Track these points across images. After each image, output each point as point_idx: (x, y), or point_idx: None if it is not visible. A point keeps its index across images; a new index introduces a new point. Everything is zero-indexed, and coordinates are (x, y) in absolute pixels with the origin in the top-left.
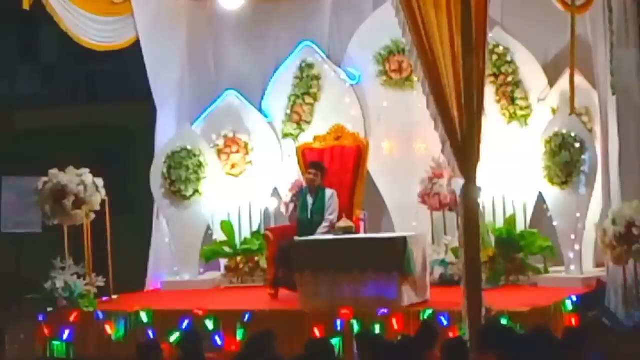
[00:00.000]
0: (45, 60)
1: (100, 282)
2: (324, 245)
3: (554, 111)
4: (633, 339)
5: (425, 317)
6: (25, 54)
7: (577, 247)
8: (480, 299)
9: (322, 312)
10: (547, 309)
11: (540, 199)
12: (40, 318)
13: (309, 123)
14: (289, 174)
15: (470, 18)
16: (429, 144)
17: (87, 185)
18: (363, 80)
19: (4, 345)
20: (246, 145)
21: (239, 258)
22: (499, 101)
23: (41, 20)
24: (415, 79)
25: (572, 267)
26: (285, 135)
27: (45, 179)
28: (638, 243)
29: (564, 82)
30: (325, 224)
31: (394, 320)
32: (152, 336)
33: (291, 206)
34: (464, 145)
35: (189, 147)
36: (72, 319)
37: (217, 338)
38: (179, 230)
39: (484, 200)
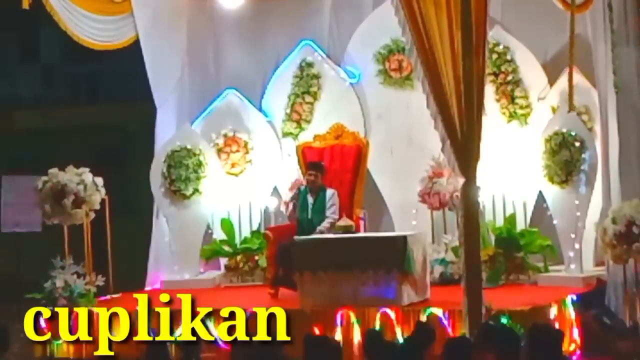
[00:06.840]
0: (45, 60)
1: (100, 281)
2: (324, 244)
3: (553, 110)
4: (633, 338)
5: (426, 315)
6: (25, 54)
7: (577, 246)
8: (480, 298)
9: (322, 312)
10: (547, 308)
11: (540, 197)
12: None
13: (308, 122)
14: (288, 173)
15: (470, 17)
16: (429, 143)
17: (86, 184)
18: (363, 79)
19: (8, 344)
20: (246, 144)
21: (238, 257)
22: (498, 100)
23: (41, 20)
24: (415, 77)
25: (572, 266)
26: (285, 134)
27: (45, 178)
28: (638, 242)
29: (563, 80)
30: (326, 222)
31: (393, 320)
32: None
33: (291, 205)
34: (464, 144)
35: (188, 146)
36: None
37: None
38: (179, 230)
39: (484, 199)
